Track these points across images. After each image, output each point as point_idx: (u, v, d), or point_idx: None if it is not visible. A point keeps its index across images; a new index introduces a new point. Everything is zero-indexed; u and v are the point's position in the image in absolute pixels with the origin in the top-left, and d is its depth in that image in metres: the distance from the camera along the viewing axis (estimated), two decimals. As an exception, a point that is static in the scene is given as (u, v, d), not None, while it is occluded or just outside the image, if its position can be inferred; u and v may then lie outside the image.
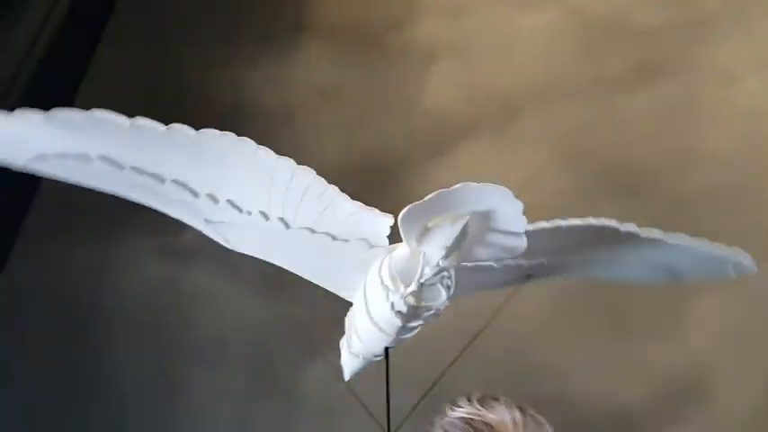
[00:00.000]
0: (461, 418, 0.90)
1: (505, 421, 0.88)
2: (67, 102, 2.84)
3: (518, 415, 0.91)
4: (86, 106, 0.95)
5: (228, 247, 1.02)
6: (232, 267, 2.93)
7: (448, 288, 0.88)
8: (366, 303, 0.95)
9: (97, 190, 1.02)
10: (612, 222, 1.13)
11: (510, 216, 0.83)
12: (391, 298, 0.90)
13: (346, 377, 1.12)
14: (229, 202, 0.95)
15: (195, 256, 2.92)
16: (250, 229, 0.96)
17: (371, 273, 0.93)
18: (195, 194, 0.94)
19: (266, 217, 0.94)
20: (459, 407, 0.92)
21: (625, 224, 1.16)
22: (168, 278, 2.87)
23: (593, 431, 2.63)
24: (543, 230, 1.04)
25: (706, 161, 3.11)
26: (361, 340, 1.01)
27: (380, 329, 0.95)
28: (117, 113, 0.92)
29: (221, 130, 0.94)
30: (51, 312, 2.77)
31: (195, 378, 2.68)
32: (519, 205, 0.83)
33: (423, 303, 0.90)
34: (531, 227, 0.88)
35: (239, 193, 0.95)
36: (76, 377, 2.64)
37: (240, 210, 0.95)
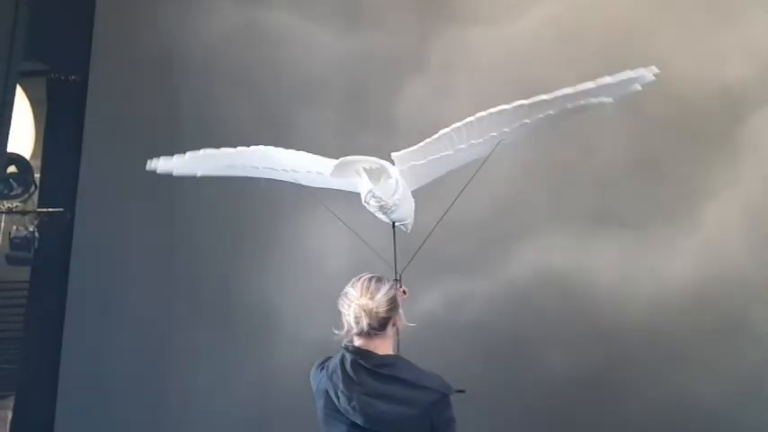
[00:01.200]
0: (344, 293, 1.43)
1: (355, 290, 1.42)
2: None
3: (366, 283, 1.43)
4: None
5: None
6: (303, 4, 2.90)
7: (380, 198, 1.67)
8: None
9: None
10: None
11: (381, 163, 1.67)
12: (366, 201, 1.70)
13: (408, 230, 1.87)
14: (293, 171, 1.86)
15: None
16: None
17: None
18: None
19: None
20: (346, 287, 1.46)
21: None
22: (249, 23, 2.88)
23: (698, 114, 2.60)
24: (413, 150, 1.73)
25: None
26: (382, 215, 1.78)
27: (378, 216, 1.76)
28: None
29: None
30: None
31: (297, 118, 2.77)
32: (377, 159, 1.66)
33: (380, 204, 1.69)
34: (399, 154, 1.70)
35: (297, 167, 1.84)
36: (180, 122, 2.83)
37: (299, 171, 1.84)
